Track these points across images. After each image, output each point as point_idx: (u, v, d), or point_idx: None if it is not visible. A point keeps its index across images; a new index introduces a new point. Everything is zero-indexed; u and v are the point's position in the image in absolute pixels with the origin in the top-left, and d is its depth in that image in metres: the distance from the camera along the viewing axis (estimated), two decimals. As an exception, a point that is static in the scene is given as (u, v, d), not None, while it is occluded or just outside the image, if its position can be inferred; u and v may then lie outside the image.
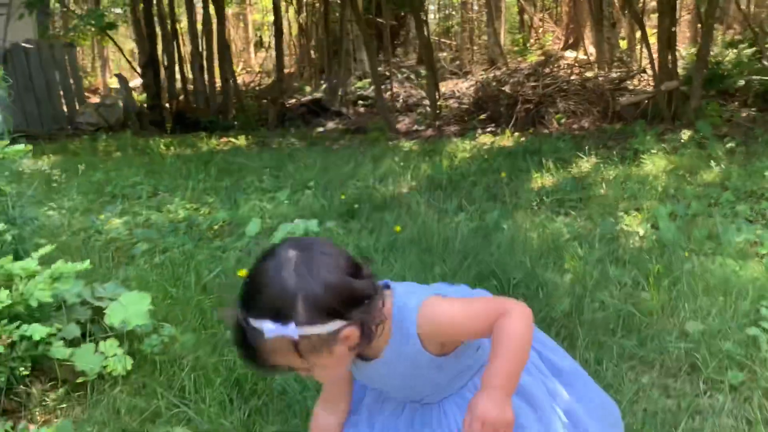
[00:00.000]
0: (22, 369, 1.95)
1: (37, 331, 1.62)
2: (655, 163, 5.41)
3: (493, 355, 1.16)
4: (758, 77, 9.45)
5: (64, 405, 2.03)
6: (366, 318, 1.14)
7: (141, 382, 2.09)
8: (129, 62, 14.69)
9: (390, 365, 1.25)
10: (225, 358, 2.19)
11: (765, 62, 8.99)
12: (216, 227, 4.19)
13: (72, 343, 2.17)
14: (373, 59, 10.88)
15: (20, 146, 2.10)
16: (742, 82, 9.53)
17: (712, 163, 5.11)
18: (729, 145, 5.98)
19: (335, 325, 1.12)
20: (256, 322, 1.10)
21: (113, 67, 24.12)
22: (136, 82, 15.37)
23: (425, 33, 10.39)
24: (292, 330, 1.09)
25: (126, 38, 20.50)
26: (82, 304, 2.36)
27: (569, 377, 1.49)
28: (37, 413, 2.00)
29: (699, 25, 11.93)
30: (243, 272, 2.99)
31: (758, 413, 1.86)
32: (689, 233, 3.47)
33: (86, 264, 1.82)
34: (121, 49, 14.64)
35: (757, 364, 2.08)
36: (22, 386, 2.02)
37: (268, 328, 1.09)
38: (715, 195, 4.25)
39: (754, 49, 10.22)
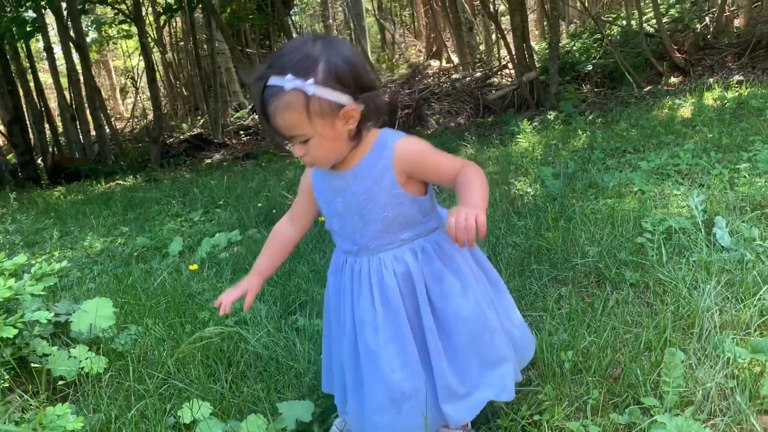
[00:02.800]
0: (3, 379, 2.03)
1: (43, 315, 1.73)
2: (530, 140, 5.99)
3: (468, 189, 1.34)
4: (602, 61, 10.54)
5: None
6: (368, 103, 1.35)
7: (122, 374, 2.21)
8: (-11, 122, 13.93)
9: (357, 179, 1.44)
10: (199, 338, 2.35)
11: (608, 47, 10.01)
12: (137, 253, 4.25)
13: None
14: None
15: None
16: (590, 67, 10.58)
17: (579, 132, 5.76)
18: (590, 117, 6.71)
19: (344, 98, 1.31)
20: (276, 80, 1.27)
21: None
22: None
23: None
24: (309, 85, 1.26)
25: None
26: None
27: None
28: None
29: (545, 23, 13.07)
30: (194, 267, 3.15)
31: (653, 297, 2.29)
32: (573, 186, 3.98)
33: (64, 263, 1.94)
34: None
35: (647, 263, 2.53)
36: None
37: (288, 80, 1.26)
38: (586, 155, 4.83)
39: (596, 36, 11.37)
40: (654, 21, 10.35)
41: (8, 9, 10.65)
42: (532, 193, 4.00)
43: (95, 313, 2.36)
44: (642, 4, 11.44)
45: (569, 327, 2.11)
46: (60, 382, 2.19)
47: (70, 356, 2.25)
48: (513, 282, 2.56)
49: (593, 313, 2.23)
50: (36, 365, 2.16)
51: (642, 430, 1.55)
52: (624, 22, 12.64)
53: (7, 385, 2.08)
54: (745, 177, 3.49)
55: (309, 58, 1.29)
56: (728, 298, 2.14)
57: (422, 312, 1.49)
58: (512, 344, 1.62)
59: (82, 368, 2.22)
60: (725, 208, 2.99)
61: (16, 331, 1.66)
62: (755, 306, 2.01)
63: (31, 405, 2.11)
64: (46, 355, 2.08)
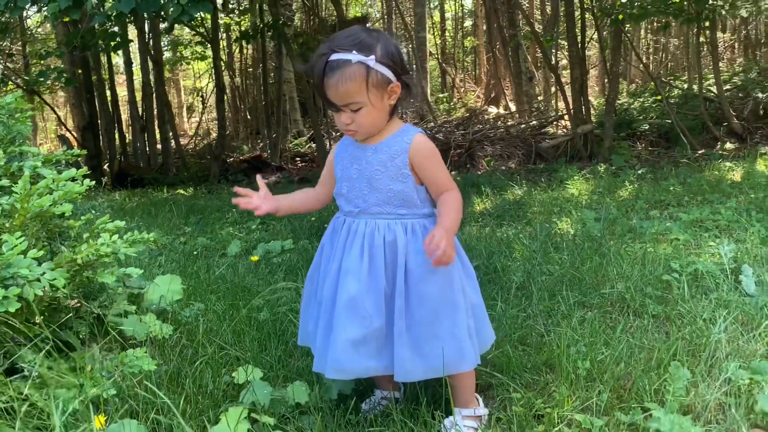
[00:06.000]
0: (84, 331, 2.33)
1: (134, 271, 2.04)
2: (577, 187, 6.18)
3: (446, 210, 1.67)
4: (659, 121, 10.65)
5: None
6: (407, 84, 1.70)
7: (186, 340, 2.49)
8: (65, 126, 14.81)
9: (377, 153, 1.73)
10: (254, 316, 2.63)
11: (666, 108, 10.14)
12: (197, 252, 4.58)
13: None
14: (313, 115, 11.50)
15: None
16: (646, 126, 10.71)
17: (627, 184, 5.93)
18: (639, 171, 6.86)
19: (392, 76, 1.65)
20: (341, 55, 1.60)
21: (38, 134, 23.87)
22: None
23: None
24: (371, 60, 1.60)
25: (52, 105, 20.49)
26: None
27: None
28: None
29: (606, 80, 13.27)
30: (255, 258, 3.44)
31: (673, 328, 2.46)
32: (612, 230, 4.16)
33: (153, 234, 2.25)
34: (57, 114, 14.79)
35: (670, 298, 2.70)
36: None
37: (354, 55, 1.59)
38: (630, 205, 5.00)
39: (655, 97, 11.51)
40: (715, 87, 10.46)
41: (96, 24, 11.47)
42: (572, 233, 4.19)
43: (167, 287, 2.67)
44: (705, 70, 11.56)
45: (589, 341, 2.30)
46: (131, 341, 2.49)
47: (140, 321, 2.55)
48: (543, 303, 2.76)
49: (612, 333, 2.41)
50: (111, 323, 2.46)
51: (640, 426, 1.73)
52: (685, 86, 12.74)
53: (87, 336, 2.38)
54: (780, 236, 3.62)
55: (369, 38, 1.65)
56: (741, 334, 2.30)
57: (398, 278, 1.72)
58: (473, 328, 1.81)
59: (151, 332, 2.51)
60: (755, 260, 3.13)
61: (114, 278, 1.96)
62: (764, 338, 2.17)
63: (108, 356, 2.40)
64: (126, 314, 2.37)
